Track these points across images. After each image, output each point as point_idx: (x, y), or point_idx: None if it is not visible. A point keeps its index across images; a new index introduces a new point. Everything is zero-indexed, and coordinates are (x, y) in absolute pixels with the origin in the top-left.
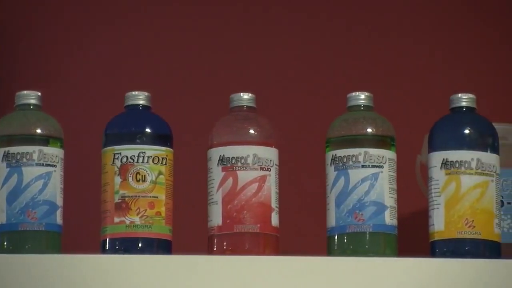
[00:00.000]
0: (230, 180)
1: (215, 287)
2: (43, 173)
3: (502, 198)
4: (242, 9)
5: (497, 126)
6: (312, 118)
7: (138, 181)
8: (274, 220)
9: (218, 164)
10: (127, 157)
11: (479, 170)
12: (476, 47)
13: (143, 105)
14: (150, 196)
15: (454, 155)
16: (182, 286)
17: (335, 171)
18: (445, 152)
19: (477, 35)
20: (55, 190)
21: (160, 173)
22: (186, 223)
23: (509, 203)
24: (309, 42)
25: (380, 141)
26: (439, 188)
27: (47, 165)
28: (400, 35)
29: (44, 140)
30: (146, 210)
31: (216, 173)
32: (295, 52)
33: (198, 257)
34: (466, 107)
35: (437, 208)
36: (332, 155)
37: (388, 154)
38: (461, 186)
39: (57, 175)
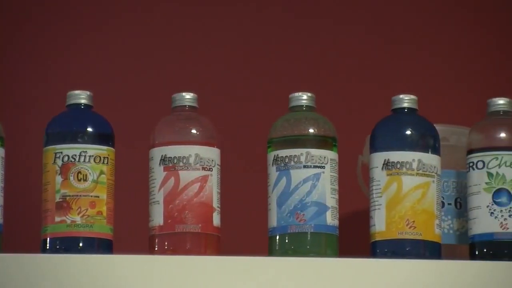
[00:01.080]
0: (171, 180)
1: (156, 287)
2: None
3: (443, 199)
4: (182, 6)
5: (438, 127)
6: (254, 118)
7: (79, 180)
8: (216, 220)
9: (159, 163)
10: (68, 156)
11: (420, 171)
12: (417, 48)
13: (85, 104)
14: (92, 196)
15: (395, 155)
16: (123, 286)
17: (277, 171)
18: (387, 152)
19: (418, 36)
20: None
21: (101, 172)
22: (127, 223)
23: (449, 204)
24: (252, 41)
25: (322, 142)
26: (380, 188)
27: None
28: (342, 35)
29: None
30: (87, 209)
31: (158, 173)
32: (237, 51)
33: (139, 257)
34: (408, 108)
35: (378, 208)
36: (274, 156)
37: (330, 155)
38: (403, 186)
39: None
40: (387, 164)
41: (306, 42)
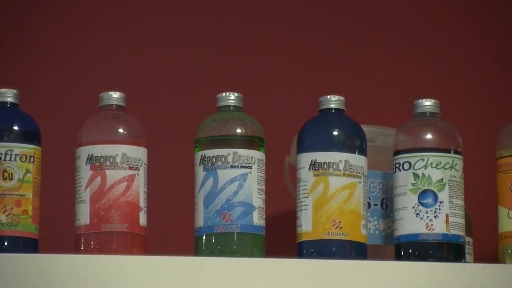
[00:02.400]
0: (98, 179)
1: (82, 286)
2: None
3: (369, 199)
4: (115, 7)
5: (365, 128)
6: (182, 118)
7: (5, 179)
8: (142, 219)
9: (86, 162)
10: None
11: (347, 172)
12: (345, 48)
13: (11, 103)
14: (17, 194)
15: (322, 156)
16: (48, 285)
17: (204, 171)
18: (314, 153)
19: (346, 36)
20: None
21: (27, 171)
22: (54, 222)
23: (376, 204)
24: (179, 40)
25: (249, 142)
26: (307, 189)
27: None
28: (270, 35)
29: None
30: (12, 208)
31: (85, 172)
32: (165, 51)
33: (65, 256)
34: (335, 108)
35: (305, 209)
36: (201, 155)
37: (257, 155)
38: (329, 187)
39: None
40: (314, 165)
41: (234, 42)
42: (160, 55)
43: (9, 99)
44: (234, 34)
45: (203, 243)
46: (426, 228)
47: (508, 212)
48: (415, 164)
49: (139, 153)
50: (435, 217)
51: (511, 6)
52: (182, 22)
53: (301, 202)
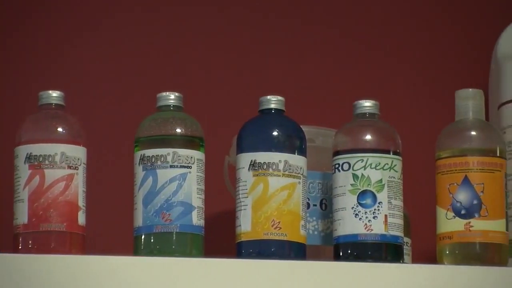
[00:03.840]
0: (37, 178)
1: (20, 286)
2: None
3: (309, 200)
4: (50, 5)
5: (305, 128)
6: (121, 117)
7: None
8: (81, 219)
9: (25, 162)
10: None
11: (286, 172)
12: (285, 49)
13: None
14: None
15: (262, 156)
16: None
17: (143, 170)
18: (253, 153)
19: (286, 37)
20: None
21: None
22: None
23: (315, 205)
24: (119, 40)
25: (188, 142)
26: (246, 189)
27: None
28: (210, 35)
29: None
30: None
31: (23, 171)
32: (104, 50)
33: (3, 256)
34: (275, 109)
35: (244, 209)
36: (141, 155)
37: (197, 155)
38: (269, 187)
39: None
40: (253, 165)
41: (174, 41)
42: (100, 54)
43: None
44: (173, 33)
45: (142, 242)
46: (365, 228)
47: (446, 213)
48: (354, 164)
49: (78, 152)
50: (373, 217)
51: (450, 7)
52: (121, 21)
53: (240, 202)
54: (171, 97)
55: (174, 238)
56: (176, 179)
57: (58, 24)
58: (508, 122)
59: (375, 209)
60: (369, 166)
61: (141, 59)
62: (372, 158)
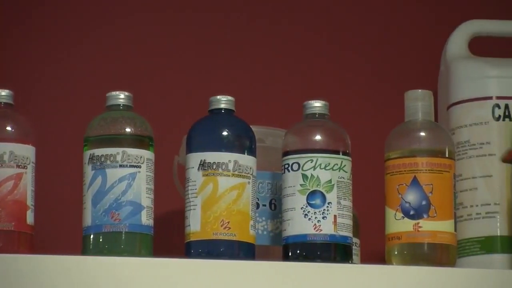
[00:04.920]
0: None
1: None
2: None
3: (258, 200)
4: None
5: (254, 128)
6: (71, 117)
7: None
8: (30, 218)
9: None
10: None
11: (236, 172)
12: (235, 49)
13: None
14: None
15: (211, 156)
16: None
17: (92, 170)
18: (203, 153)
19: (236, 36)
20: None
21: None
22: None
23: (264, 205)
24: (67, 40)
25: (138, 141)
26: (196, 189)
27: None
28: (159, 34)
29: None
30: None
31: None
32: (54, 48)
33: None
34: (225, 109)
35: (194, 209)
36: (90, 154)
37: (146, 154)
38: (218, 187)
39: None
40: (203, 165)
41: (124, 41)
42: (49, 53)
43: None
44: (123, 32)
45: (91, 242)
46: (314, 229)
47: (395, 214)
48: (304, 165)
49: (27, 151)
50: (323, 218)
51: (400, 8)
52: (70, 20)
53: (189, 202)
54: (120, 97)
55: (123, 237)
56: (125, 179)
57: (6, 22)
58: (457, 123)
59: (324, 210)
60: (319, 167)
61: (91, 58)
62: (322, 158)
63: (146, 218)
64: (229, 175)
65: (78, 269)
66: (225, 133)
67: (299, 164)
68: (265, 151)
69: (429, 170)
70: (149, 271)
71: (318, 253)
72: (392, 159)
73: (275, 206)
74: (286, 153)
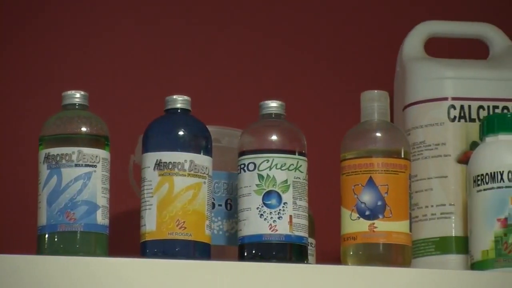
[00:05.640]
0: None
1: None
2: None
3: (214, 200)
4: None
5: (210, 128)
6: (26, 116)
7: None
8: None
9: None
10: None
11: (192, 172)
12: (194, 49)
13: None
14: None
15: (167, 156)
16: None
17: (48, 169)
18: (159, 153)
19: (195, 37)
20: None
21: None
22: None
23: (220, 205)
24: (22, 39)
25: (94, 141)
26: (152, 188)
27: None
28: (115, 33)
29: None
30: None
31: None
32: (7, 48)
33: None
34: (181, 108)
35: (149, 208)
36: (45, 154)
37: (102, 154)
38: (174, 187)
39: None
40: (159, 165)
41: (80, 40)
42: (4, 51)
43: None
44: (79, 31)
45: (46, 242)
46: (270, 229)
47: (351, 214)
48: (260, 165)
49: None
50: (278, 218)
51: (356, 9)
52: (24, 18)
53: (145, 201)
54: (76, 96)
55: (78, 237)
56: (81, 178)
57: None
58: (412, 123)
59: (280, 210)
60: (275, 167)
61: (47, 57)
62: (278, 158)
63: (101, 218)
64: (185, 175)
65: (33, 269)
66: (181, 133)
67: (255, 164)
68: (221, 151)
69: (384, 170)
70: (104, 271)
71: (274, 253)
72: (348, 159)
73: (230, 206)
74: (242, 153)
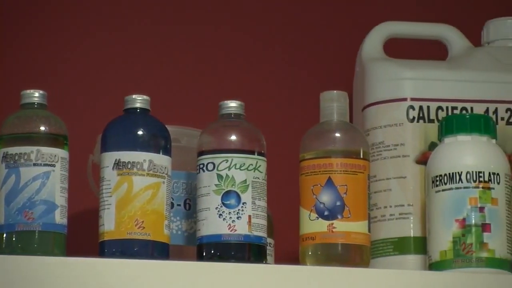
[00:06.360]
0: None
1: None
2: None
3: (173, 200)
4: None
5: (170, 128)
6: None
7: None
8: None
9: None
10: None
11: (151, 172)
12: (153, 48)
13: None
14: None
15: (126, 156)
16: None
17: (6, 168)
18: (118, 152)
19: (150, 36)
20: None
21: None
22: None
23: (179, 205)
24: None
25: (52, 140)
26: (110, 188)
27: None
28: (74, 32)
29: None
30: None
31: None
32: None
33: None
34: (140, 108)
35: (108, 208)
36: (4, 153)
37: (61, 153)
38: (133, 187)
39: None
40: (118, 164)
41: (37, 39)
42: None
43: None
44: (37, 30)
45: (4, 241)
46: (229, 229)
47: (310, 214)
48: (219, 165)
49: None
50: (237, 218)
51: (316, 9)
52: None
53: (104, 201)
54: (35, 95)
55: (37, 236)
56: (39, 178)
57: None
58: (371, 124)
59: (239, 210)
60: (234, 167)
61: (5, 56)
62: (237, 158)
63: (60, 217)
64: (144, 175)
65: None
66: (140, 132)
67: (214, 164)
68: (180, 151)
69: (343, 171)
70: (62, 271)
71: (232, 253)
72: (307, 159)
73: (189, 206)
74: (201, 153)
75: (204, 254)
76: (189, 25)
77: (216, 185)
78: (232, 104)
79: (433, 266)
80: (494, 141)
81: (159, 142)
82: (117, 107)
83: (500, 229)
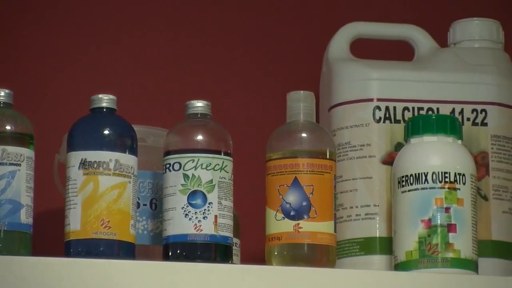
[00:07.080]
0: None
1: None
2: None
3: (139, 199)
4: None
5: (136, 128)
6: None
7: None
8: None
9: None
10: None
11: (117, 171)
12: (118, 47)
13: None
14: None
15: (92, 155)
16: None
17: None
18: (84, 152)
19: (116, 36)
20: None
21: None
22: None
23: (145, 204)
24: None
25: (18, 139)
26: (76, 188)
27: None
28: (41, 31)
29: None
30: None
31: None
32: None
33: None
34: (106, 108)
35: (74, 207)
36: None
37: (27, 152)
38: (99, 186)
39: None
40: (84, 164)
41: (3, 38)
42: None
43: None
44: (5, 29)
45: None
46: (195, 229)
47: (276, 214)
48: (185, 165)
49: None
50: (203, 218)
51: (282, 9)
52: None
53: (70, 201)
54: (1, 94)
55: (2, 236)
56: (5, 177)
57: None
58: (338, 124)
59: (205, 210)
60: (200, 167)
61: None
62: (203, 158)
63: (25, 217)
64: (110, 174)
65: None
66: (106, 132)
67: (180, 164)
68: (147, 151)
69: (310, 171)
70: (28, 270)
71: (198, 253)
72: (273, 159)
73: (155, 206)
74: (167, 153)
75: (170, 254)
76: (155, 25)
77: (182, 185)
78: (199, 104)
79: (399, 266)
80: (460, 141)
81: (125, 141)
82: (83, 106)
83: (465, 229)
